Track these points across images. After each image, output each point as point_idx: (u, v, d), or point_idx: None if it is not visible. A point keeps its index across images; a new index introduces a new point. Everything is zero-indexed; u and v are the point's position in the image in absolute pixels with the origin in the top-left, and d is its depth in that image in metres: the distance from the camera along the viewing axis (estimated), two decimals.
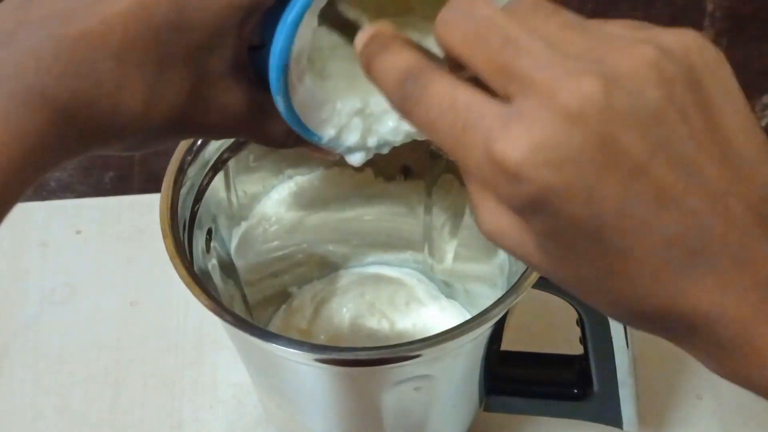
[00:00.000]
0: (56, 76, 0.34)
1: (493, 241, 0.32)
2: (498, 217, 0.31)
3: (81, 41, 0.34)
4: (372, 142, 0.42)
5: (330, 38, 0.41)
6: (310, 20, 0.37)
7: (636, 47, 0.29)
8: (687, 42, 0.30)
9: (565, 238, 0.30)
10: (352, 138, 0.42)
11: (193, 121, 0.38)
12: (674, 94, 0.29)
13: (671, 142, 0.29)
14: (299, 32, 0.36)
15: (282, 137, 0.41)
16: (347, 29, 0.42)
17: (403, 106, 0.32)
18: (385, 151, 0.43)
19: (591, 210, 0.29)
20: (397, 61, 0.32)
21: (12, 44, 0.34)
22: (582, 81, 0.28)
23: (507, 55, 0.29)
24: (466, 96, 0.30)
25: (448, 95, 0.30)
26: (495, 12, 0.30)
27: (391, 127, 0.42)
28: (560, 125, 0.28)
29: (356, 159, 0.42)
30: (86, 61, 0.34)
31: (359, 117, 0.41)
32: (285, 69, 0.37)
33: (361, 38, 0.33)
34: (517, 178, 0.28)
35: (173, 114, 0.37)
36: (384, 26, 0.33)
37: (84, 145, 0.36)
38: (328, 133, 0.41)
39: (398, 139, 0.43)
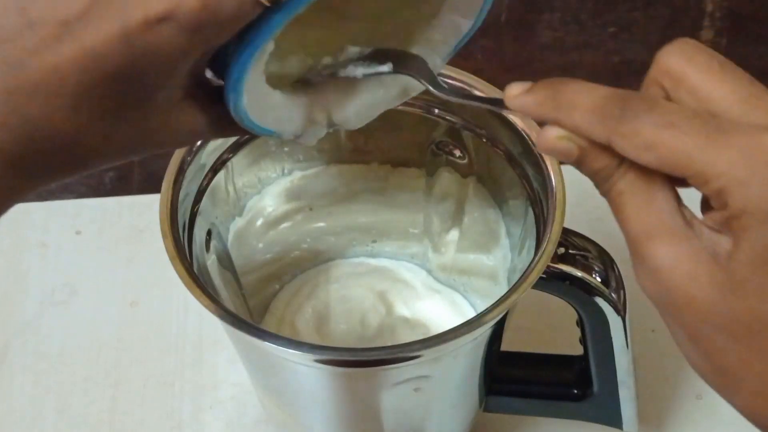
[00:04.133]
0: (11, 128, 0.33)
1: (658, 276, 0.33)
2: (682, 244, 0.33)
3: (35, 93, 0.33)
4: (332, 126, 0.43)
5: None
6: (267, 45, 0.36)
7: None
8: None
9: None
10: (315, 132, 0.42)
11: (153, 142, 0.38)
12: None
13: None
14: (254, 60, 0.36)
15: (245, 130, 0.40)
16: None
17: (626, 115, 0.33)
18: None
19: None
20: (596, 87, 0.34)
21: None
22: None
23: (757, 89, 0.33)
24: (706, 112, 0.33)
25: (689, 108, 0.33)
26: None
27: (353, 113, 0.43)
28: None
29: (311, 141, 0.43)
30: (40, 113, 0.33)
31: (322, 115, 0.42)
32: (242, 95, 0.37)
33: (516, 89, 0.36)
34: None
35: (130, 143, 0.37)
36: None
37: (42, 183, 0.36)
38: (289, 130, 0.41)
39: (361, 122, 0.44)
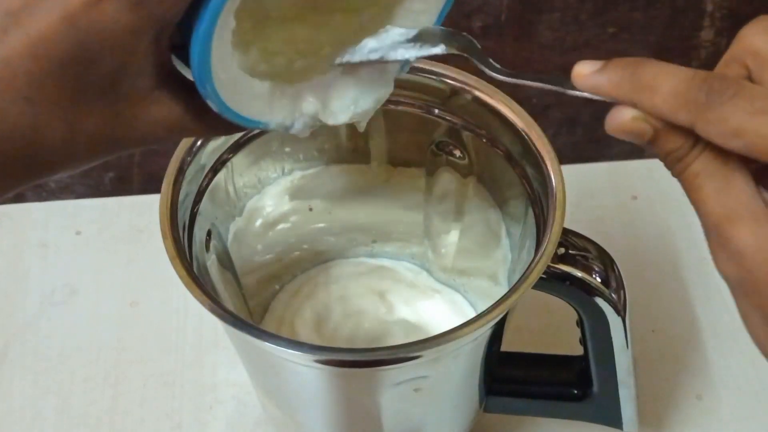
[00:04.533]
0: None
1: (740, 259, 0.33)
2: (765, 226, 0.32)
3: None
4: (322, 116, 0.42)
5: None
6: (226, 20, 0.35)
7: None
8: None
9: None
10: (300, 120, 0.41)
11: (127, 137, 0.36)
12: None
13: None
14: (216, 36, 0.35)
15: (231, 125, 0.39)
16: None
17: (712, 100, 0.32)
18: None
19: None
20: (677, 69, 0.33)
21: None
22: None
23: None
24: None
25: None
26: None
27: (343, 102, 0.42)
28: None
29: (303, 131, 0.42)
30: None
31: (306, 96, 0.41)
32: (209, 76, 0.36)
33: (587, 68, 0.35)
34: None
35: (101, 139, 0.35)
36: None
37: (11, 185, 0.35)
38: (274, 119, 0.40)
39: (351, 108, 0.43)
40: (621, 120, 0.34)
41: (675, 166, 0.34)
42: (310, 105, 0.41)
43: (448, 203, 0.60)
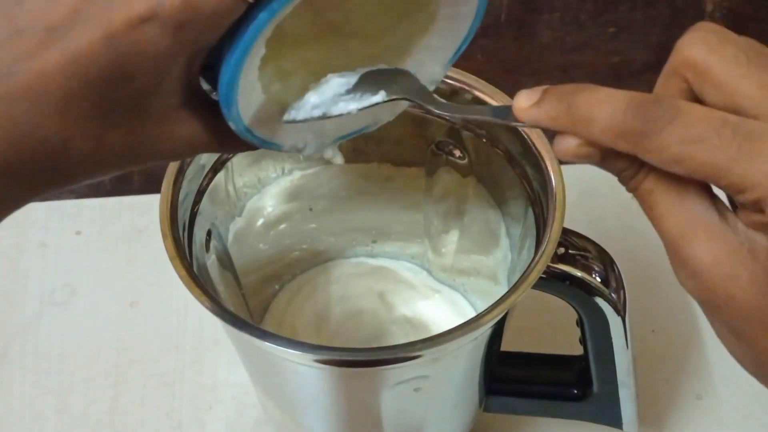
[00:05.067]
0: (1, 136, 0.33)
1: (699, 277, 0.33)
2: (720, 243, 0.32)
3: (23, 99, 0.33)
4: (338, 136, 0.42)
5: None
6: (258, 49, 0.36)
7: None
8: None
9: None
10: (312, 144, 0.42)
11: (149, 152, 0.37)
12: None
13: None
14: (246, 64, 0.35)
15: (247, 144, 0.40)
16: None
17: (649, 128, 0.32)
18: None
19: None
20: (612, 96, 0.33)
21: None
22: None
23: None
24: (733, 116, 0.32)
25: (715, 114, 0.32)
26: None
27: (353, 119, 0.42)
28: None
29: (314, 154, 0.42)
30: (29, 120, 0.33)
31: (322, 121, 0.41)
32: (235, 100, 0.36)
33: (524, 101, 0.34)
34: None
35: (125, 153, 0.36)
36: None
37: (33, 193, 0.36)
38: (288, 142, 0.41)
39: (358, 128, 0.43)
40: (567, 147, 0.34)
41: (628, 183, 0.34)
42: (321, 130, 0.41)
43: (448, 203, 0.60)
